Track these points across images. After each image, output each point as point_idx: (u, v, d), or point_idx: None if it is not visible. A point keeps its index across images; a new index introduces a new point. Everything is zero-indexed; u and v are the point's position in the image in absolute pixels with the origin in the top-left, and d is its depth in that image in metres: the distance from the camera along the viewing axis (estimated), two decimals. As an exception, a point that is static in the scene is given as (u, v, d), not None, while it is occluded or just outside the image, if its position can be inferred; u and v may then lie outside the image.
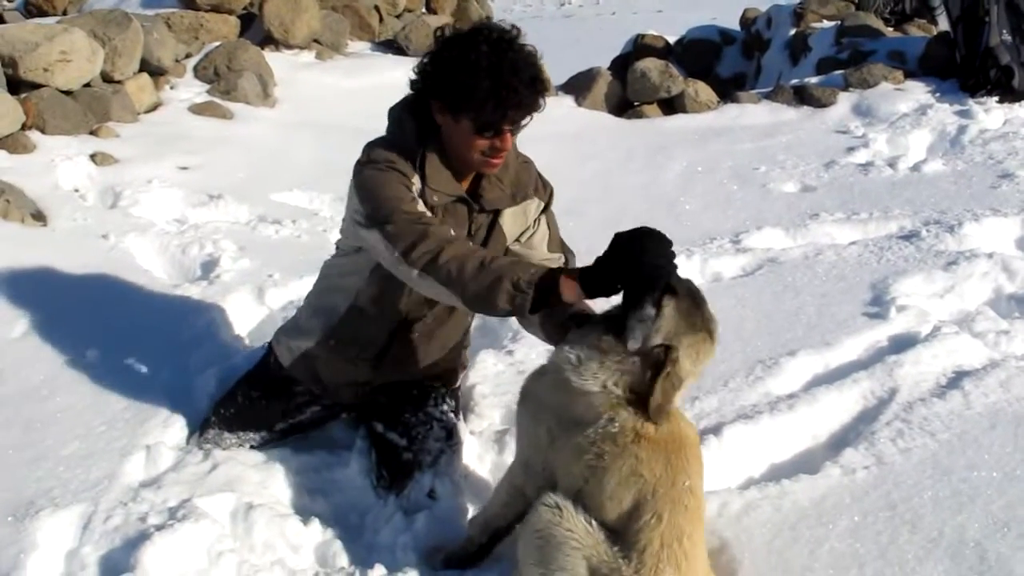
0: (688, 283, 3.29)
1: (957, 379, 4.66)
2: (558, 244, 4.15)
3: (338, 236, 4.17)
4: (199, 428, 4.35)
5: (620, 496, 3.15)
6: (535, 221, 4.06)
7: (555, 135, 9.78)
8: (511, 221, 3.99)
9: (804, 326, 5.34)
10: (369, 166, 3.69)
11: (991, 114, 9.96)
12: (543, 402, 3.39)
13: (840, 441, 4.30)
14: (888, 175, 8.45)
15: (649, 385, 3.15)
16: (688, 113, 11.14)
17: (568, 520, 3.13)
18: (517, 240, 4.05)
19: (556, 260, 4.09)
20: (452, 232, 3.62)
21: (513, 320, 4.54)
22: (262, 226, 7.10)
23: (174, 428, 4.36)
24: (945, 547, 3.49)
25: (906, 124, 9.86)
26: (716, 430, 4.30)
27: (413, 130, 3.75)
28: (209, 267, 6.23)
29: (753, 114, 10.81)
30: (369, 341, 4.11)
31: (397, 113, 3.86)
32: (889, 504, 3.74)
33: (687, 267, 6.28)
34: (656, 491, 3.12)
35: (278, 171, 8.47)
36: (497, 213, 3.94)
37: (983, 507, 3.70)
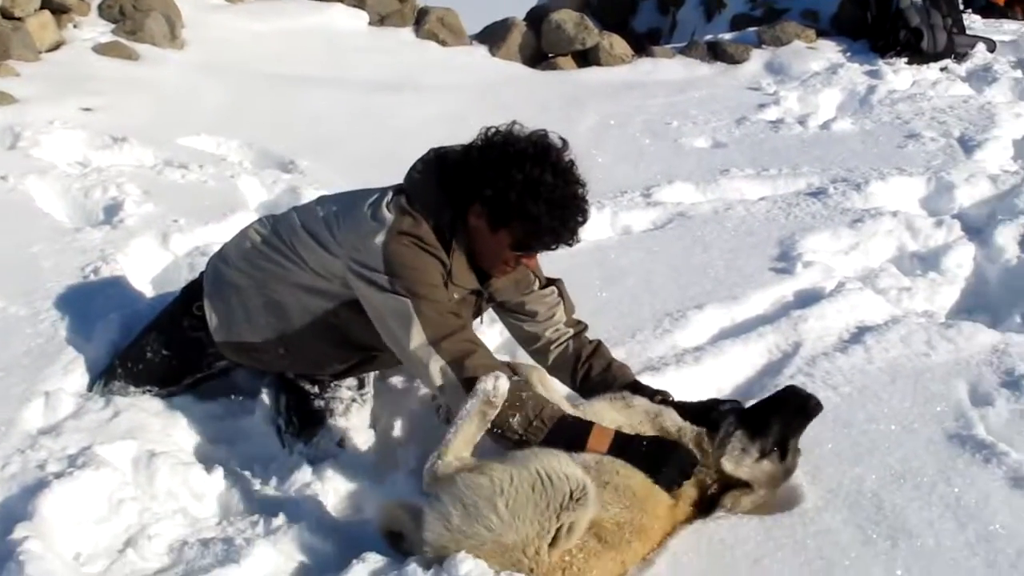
0: (797, 455, 3.64)
1: (859, 334, 4.74)
2: (542, 277, 4.12)
3: (288, 232, 3.92)
4: (103, 378, 4.25)
5: None
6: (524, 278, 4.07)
7: (468, 85, 9.73)
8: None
9: (712, 280, 5.39)
10: (407, 239, 3.57)
11: (900, 75, 10.12)
12: None
13: (745, 394, 4.34)
14: (798, 133, 8.54)
15: (716, 496, 3.52)
16: (602, 66, 11.11)
17: None
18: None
19: (549, 295, 4.10)
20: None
21: None
22: (168, 170, 6.93)
23: (75, 375, 4.27)
24: (844, 497, 3.55)
25: (817, 83, 9.98)
26: (623, 381, 4.29)
27: (448, 221, 3.66)
28: (112, 211, 6.08)
29: (667, 69, 10.86)
30: (325, 363, 4.05)
31: (433, 194, 3.69)
32: (790, 455, 3.79)
33: (598, 220, 6.28)
34: None
35: (185, 115, 8.30)
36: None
37: (881, 459, 3.77)
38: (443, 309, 3.54)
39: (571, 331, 4.09)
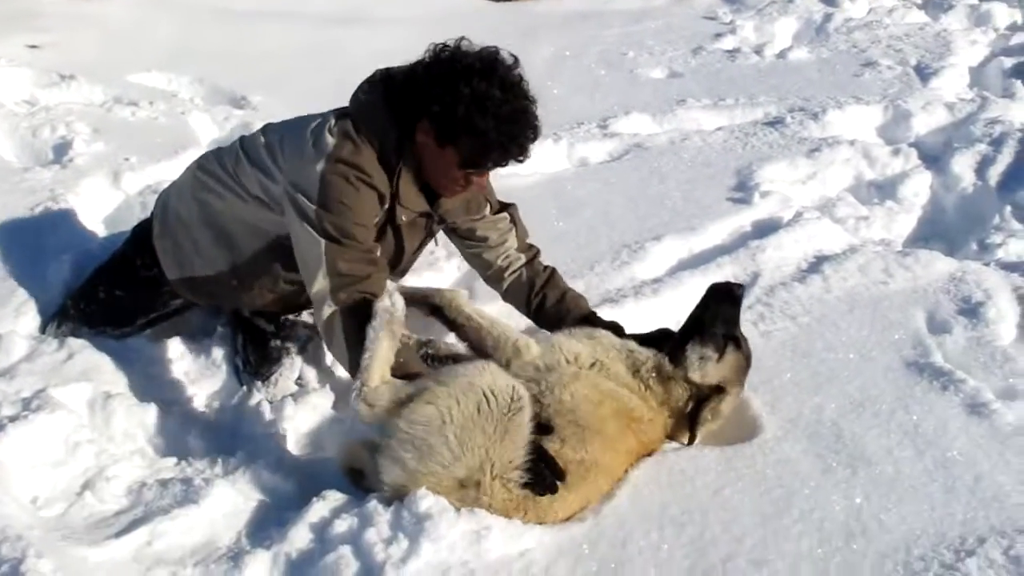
0: (746, 341, 3.71)
1: (817, 264, 4.75)
2: (496, 201, 4.09)
3: (232, 159, 3.87)
4: (56, 319, 4.20)
5: None
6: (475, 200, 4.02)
7: (420, 18, 9.61)
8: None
9: (669, 211, 5.37)
10: (344, 169, 3.50)
11: (856, 3, 10.09)
12: None
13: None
14: (754, 62, 8.50)
15: (693, 413, 3.55)
16: (557, -3, 11.00)
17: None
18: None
19: (501, 220, 4.07)
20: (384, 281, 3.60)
21: None
22: (118, 108, 6.81)
23: (27, 316, 4.22)
24: (803, 427, 3.58)
25: (773, 11, 9.93)
26: (582, 314, 4.28)
27: (395, 143, 3.58)
28: (62, 150, 5.97)
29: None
30: (278, 292, 3.96)
31: (379, 115, 3.62)
32: (750, 386, 3.79)
33: (554, 152, 6.25)
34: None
35: (134, 51, 8.15)
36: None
37: (840, 388, 3.80)
38: (356, 256, 3.49)
39: (523, 257, 4.07)
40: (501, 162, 3.60)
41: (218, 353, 4.16)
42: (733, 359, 3.61)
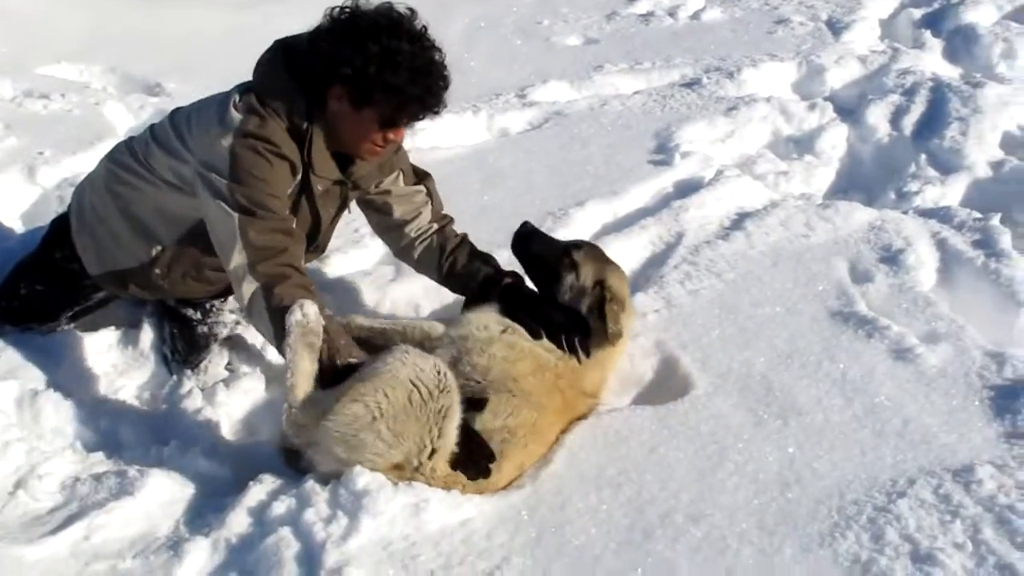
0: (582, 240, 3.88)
1: (740, 220, 4.79)
2: (411, 174, 4.07)
3: (142, 146, 3.81)
4: (-26, 317, 4.11)
5: None
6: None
7: (335, -5, 9.50)
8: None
9: (592, 176, 5.38)
10: (253, 142, 3.45)
11: (767, -40, 10.12)
12: None
13: (631, 286, 4.35)
14: (669, 24, 8.53)
15: (600, 319, 3.66)
16: (469, -33, 10.90)
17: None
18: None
19: (417, 192, 4.05)
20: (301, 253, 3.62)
21: None
22: (28, 101, 6.68)
23: (-53, 318, 4.11)
24: (734, 381, 3.62)
25: (685, -27, 9.92)
26: (509, 283, 4.28)
27: (303, 111, 3.53)
28: (-30, 143, 5.84)
29: (534, -33, 10.70)
30: (202, 278, 3.90)
31: (284, 85, 3.56)
32: (680, 344, 3.84)
33: (474, 124, 6.23)
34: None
35: (43, 42, 7.98)
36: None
37: (768, 341, 3.85)
38: (271, 227, 3.45)
39: (435, 226, 4.06)
40: (419, 115, 3.58)
41: (146, 343, 4.11)
42: (583, 256, 3.78)
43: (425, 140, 5.89)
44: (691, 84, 6.76)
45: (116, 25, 8.56)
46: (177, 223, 3.74)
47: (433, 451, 3.09)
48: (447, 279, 4.01)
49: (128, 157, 3.81)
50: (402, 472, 3.08)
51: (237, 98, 3.52)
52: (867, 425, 3.32)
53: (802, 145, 5.93)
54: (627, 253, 4.58)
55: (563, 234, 4.66)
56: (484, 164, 5.61)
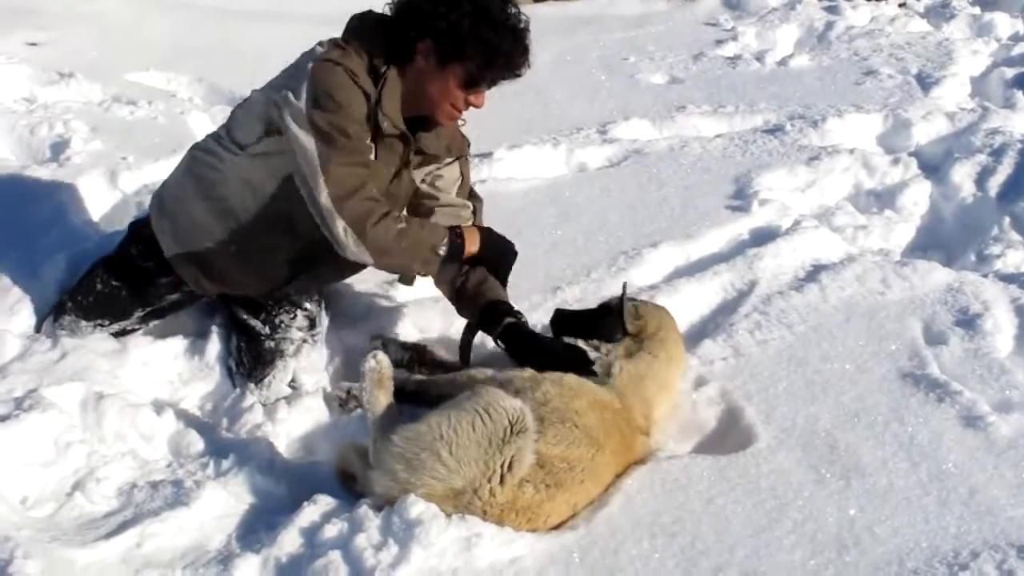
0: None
1: (815, 272, 4.73)
2: (467, 191, 4.17)
3: (224, 127, 3.97)
4: (53, 314, 4.18)
5: None
6: (447, 163, 4.09)
7: (423, 19, 9.59)
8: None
9: (667, 218, 5.35)
10: (332, 66, 3.55)
11: (858, 11, 10.06)
12: None
13: (699, 332, 4.34)
14: (755, 69, 8.47)
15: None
16: (559, 1, 10.98)
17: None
18: (423, 181, 4.09)
19: (464, 207, 4.14)
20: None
21: None
22: (116, 107, 6.80)
23: (21, 315, 4.20)
24: (797, 437, 3.56)
25: (775, 18, 9.89)
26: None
27: (384, 54, 3.65)
28: (59, 148, 5.95)
29: (624, 4, 10.75)
30: (275, 263, 3.96)
31: (371, 27, 3.72)
32: (745, 395, 3.80)
33: (553, 157, 6.23)
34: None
35: (133, 50, 8.11)
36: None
37: (835, 398, 3.78)
38: (353, 160, 3.57)
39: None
40: (505, 74, 3.68)
41: (212, 354, 4.13)
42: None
43: (502, 170, 5.90)
44: (774, 131, 6.69)
45: (203, 36, 8.69)
46: (255, 196, 3.83)
47: (501, 479, 3.08)
48: (458, 297, 4.05)
49: (211, 141, 3.96)
50: (459, 499, 3.07)
51: (324, 42, 3.69)
52: (932, 492, 3.25)
53: (883, 200, 5.84)
54: (698, 298, 4.55)
55: (635, 274, 4.66)
56: (560, 198, 5.59)
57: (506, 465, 3.09)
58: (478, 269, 4.02)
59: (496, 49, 3.60)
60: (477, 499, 3.07)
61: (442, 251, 3.75)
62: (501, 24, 3.59)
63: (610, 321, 3.82)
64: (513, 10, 3.66)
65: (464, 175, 4.18)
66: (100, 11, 8.83)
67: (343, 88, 3.54)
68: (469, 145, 4.20)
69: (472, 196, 4.22)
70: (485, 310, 3.90)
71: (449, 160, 4.10)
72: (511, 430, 3.11)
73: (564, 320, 3.95)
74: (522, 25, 3.67)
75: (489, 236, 3.95)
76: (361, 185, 3.56)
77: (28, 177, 5.47)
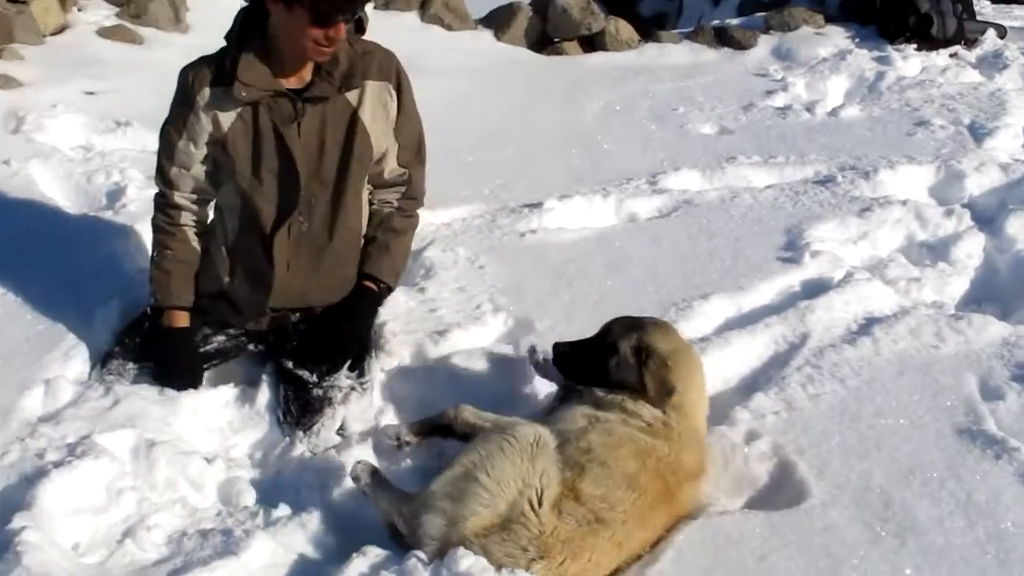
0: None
1: (867, 325, 4.68)
2: (412, 151, 4.29)
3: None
4: (102, 359, 4.24)
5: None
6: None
7: (473, 69, 9.66)
8: (371, 117, 4.06)
9: (718, 269, 5.33)
10: (175, 92, 4.03)
11: (909, 61, 10.01)
12: None
13: (751, 385, 4.31)
14: (806, 119, 8.45)
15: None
16: (608, 51, 10.98)
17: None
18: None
19: (401, 175, 4.29)
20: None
21: (426, 257, 4.56)
22: (172, 153, 6.88)
23: (75, 361, 4.25)
24: (851, 493, 3.52)
25: (825, 69, 9.87)
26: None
27: (235, 31, 3.88)
28: (115, 196, 6.04)
29: (673, 54, 10.75)
30: (243, 248, 4.14)
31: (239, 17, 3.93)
32: (798, 449, 3.76)
33: (602, 207, 6.23)
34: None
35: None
36: (355, 112, 4.01)
37: (889, 454, 3.73)
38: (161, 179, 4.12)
39: (395, 203, 4.33)
40: (340, 7, 3.68)
41: (262, 403, 4.17)
42: (616, 333, 3.82)
43: (552, 221, 5.90)
44: (825, 181, 6.65)
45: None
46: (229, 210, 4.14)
47: (536, 494, 3.14)
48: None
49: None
50: (507, 530, 3.10)
51: None
52: (990, 552, 3.20)
53: (936, 252, 5.78)
54: (749, 351, 4.52)
55: (685, 326, 4.62)
56: (610, 249, 5.58)
57: (541, 479, 3.17)
58: (382, 232, 4.29)
59: None
60: (523, 528, 3.09)
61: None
62: None
63: (625, 372, 3.73)
64: None
65: (402, 142, 4.25)
66: (158, 61, 8.93)
67: (169, 114, 4.08)
68: (399, 73, 4.22)
69: (418, 156, 4.34)
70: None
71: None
72: (536, 445, 3.24)
73: (569, 360, 3.92)
74: None
75: (167, 337, 4.18)
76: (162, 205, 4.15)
77: (84, 224, 5.57)
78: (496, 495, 3.15)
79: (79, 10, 9.83)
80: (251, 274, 4.15)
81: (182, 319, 4.14)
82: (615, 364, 3.72)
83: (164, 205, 4.14)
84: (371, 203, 4.29)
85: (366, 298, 4.26)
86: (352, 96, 4.01)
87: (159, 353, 4.16)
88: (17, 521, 3.20)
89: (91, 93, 7.93)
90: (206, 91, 3.93)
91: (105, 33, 9.45)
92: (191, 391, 4.15)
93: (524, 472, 3.18)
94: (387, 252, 4.25)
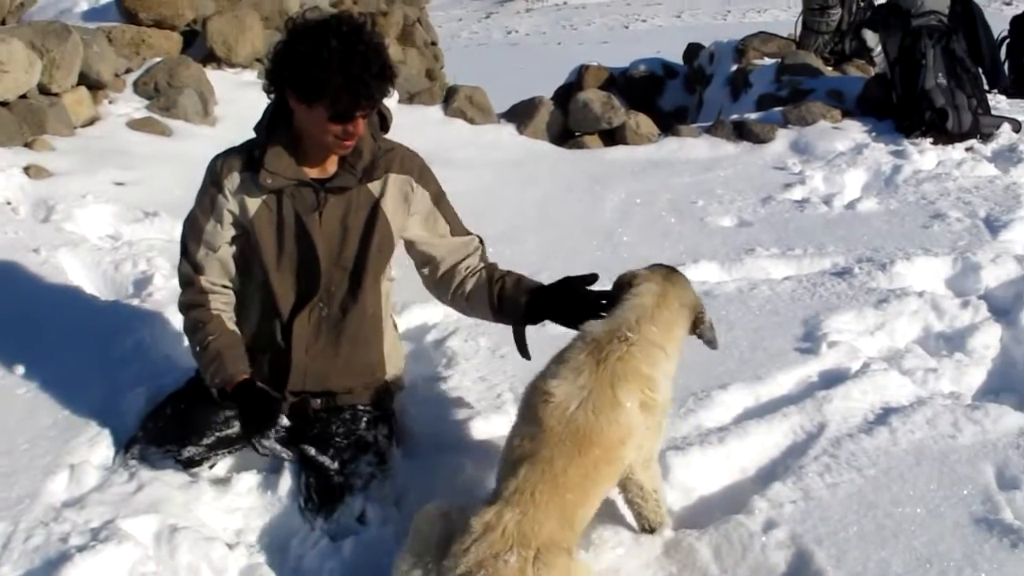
0: None
1: (885, 415, 4.71)
2: (462, 227, 4.37)
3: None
4: (126, 444, 4.29)
5: None
6: (430, 211, 4.28)
7: (496, 162, 9.81)
8: (392, 208, 4.17)
9: (736, 360, 5.38)
10: (204, 178, 4.16)
11: (925, 155, 10.09)
12: None
13: (768, 475, 4.33)
14: (823, 212, 8.54)
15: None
16: (629, 145, 11.15)
17: None
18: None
19: (470, 242, 4.34)
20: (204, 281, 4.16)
21: (448, 347, 4.64)
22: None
23: (100, 447, 4.31)
24: (868, 582, 3.52)
25: (842, 162, 9.97)
26: (647, 461, 4.29)
27: (264, 123, 4.04)
28: (142, 284, 6.16)
29: (693, 148, 10.87)
30: (263, 332, 4.23)
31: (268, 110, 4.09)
32: (815, 538, 3.77)
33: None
34: None
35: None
36: (377, 202, 4.14)
37: (906, 543, 3.75)
38: (187, 261, 4.18)
39: (483, 264, 4.34)
40: (361, 102, 3.81)
41: (284, 490, 4.20)
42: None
43: (574, 312, 5.96)
44: (842, 273, 6.72)
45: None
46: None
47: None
48: (500, 306, 4.23)
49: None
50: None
51: None
52: (1006, 641, 3.21)
53: (953, 343, 5.82)
54: (767, 440, 4.55)
55: (704, 416, 4.67)
56: (629, 339, 5.64)
57: None
58: (510, 275, 4.27)
59: (327, 87, 3.74)
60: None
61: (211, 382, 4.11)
62: (326, 63, 3.71)
63: None
64: (351, 43, 3.76)
65: (446, 216, 4.33)
66: (185, 152, 9.09)
67: (196, 199, 4.21)
68: (422, 168, 4.31)
69: (470, 232, 4.42)
70: (534, 293, 4.17)
71: (422, 201, 4.26)
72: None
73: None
74: (356, 56, 3.75)
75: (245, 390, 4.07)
76: (188, 283, 4.19)
77: (112, 312, 5.66)
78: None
79: (110, 102, 10.06)
80: (270, 358, 4.24)
81: (243, 376, 4.09)
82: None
83: (192, 292, 4.19)
84: (465, 284, 4.32)
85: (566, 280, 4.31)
86: (375, 187, 4.15)
87: (239, 413, 4.14)
88: (41, 605, 3.23)
89: (120, 184, 8.09)
90: (235, 175, 4.08)
91: (135, 125, 9.66)
92: (212, 477, 4.23)
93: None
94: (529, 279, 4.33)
